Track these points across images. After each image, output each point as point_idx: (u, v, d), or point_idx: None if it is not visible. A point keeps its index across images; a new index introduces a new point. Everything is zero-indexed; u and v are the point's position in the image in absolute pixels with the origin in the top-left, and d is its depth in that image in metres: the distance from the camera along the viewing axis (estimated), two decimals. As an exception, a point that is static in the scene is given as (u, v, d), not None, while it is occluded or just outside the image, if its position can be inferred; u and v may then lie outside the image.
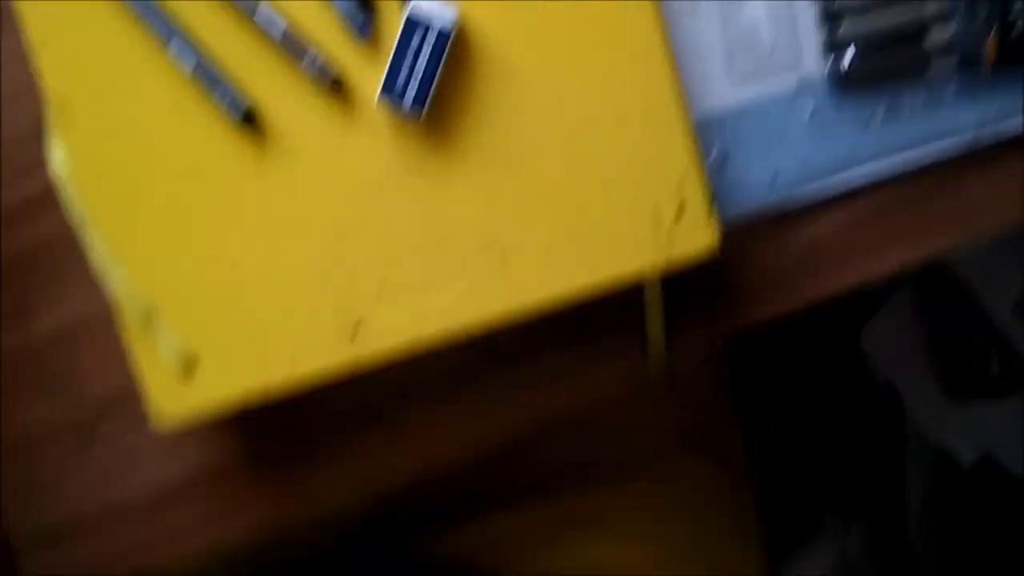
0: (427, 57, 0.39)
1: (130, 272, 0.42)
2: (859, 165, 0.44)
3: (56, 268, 0.48)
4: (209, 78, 0.41)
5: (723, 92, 0.43)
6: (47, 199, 0.46)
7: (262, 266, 0.42)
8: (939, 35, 0.42)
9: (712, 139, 0.44)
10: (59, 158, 0.43)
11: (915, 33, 0.42)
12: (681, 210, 0.41)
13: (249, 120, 0.41)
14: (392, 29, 0.40)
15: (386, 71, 0.39)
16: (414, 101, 0.39)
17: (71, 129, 0.42)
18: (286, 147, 0.42)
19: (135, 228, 0.42)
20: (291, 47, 0.40)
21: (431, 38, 0.39)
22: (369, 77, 0.41)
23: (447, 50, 0.39)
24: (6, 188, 0.48)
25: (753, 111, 0.43)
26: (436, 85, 0.39)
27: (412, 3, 0.39)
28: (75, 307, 0.49)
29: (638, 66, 0.40)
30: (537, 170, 0.41)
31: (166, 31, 0.41)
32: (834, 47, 0.43)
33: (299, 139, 0.41)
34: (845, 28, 0.42)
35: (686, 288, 0.45)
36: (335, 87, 0.41)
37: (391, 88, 0.39)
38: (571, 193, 0.41)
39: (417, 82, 0.39)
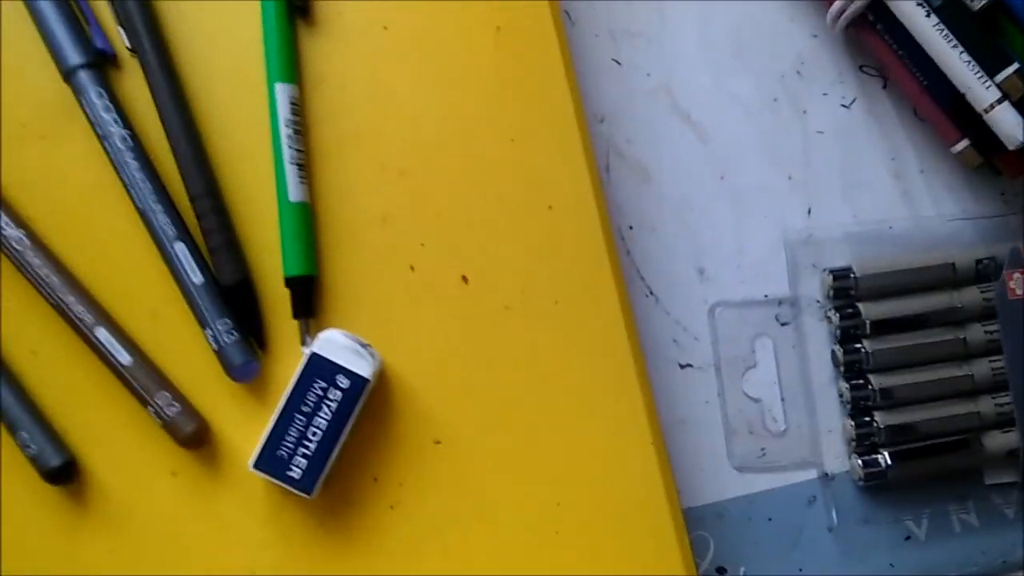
0: (332, 410, 0.28)
1: None
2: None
3: None
4: (14, 416, 0.29)
5: (724, 482, 0.33)
6: None
7: None
8: (996, 441, 0.33)
9: (706, 541, 0.33)
10: None
11: (965, 436, 0.33)
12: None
13: (60, 476, 0.28)
14: (286, 372, 0.30)
15: (268, 429, 0.28)
16: (304, 474, 0.28)
17: None
18: (120, 515, 0.29)
19: None
20: (136, 384, 0.29)
21: (341, 384, 0.28)
22: (246, 432, 0.29)
23: (360, 403, 0.28)
24: None
25: (760, 509, 0.33)
26: (338, 453, 0.28)
27: (320, 338, 0.28)
28: None
29: (622, 443, 0.30)
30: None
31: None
32: (864, 444, 0.33)
33: (140, 503, 0.29)
34: (880, 421, 0.33)
35: None
36: (193, 441, 0.29)
37: (270, 457, 0.28)
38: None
39: (312, 448, 0.28)
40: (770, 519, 0.33)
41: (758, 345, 0.33)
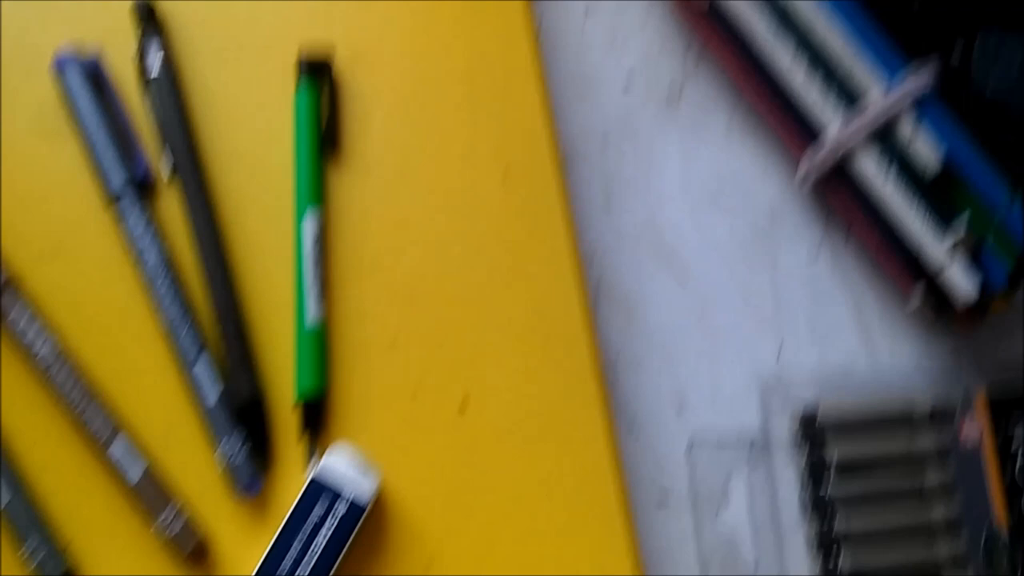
0: (329, 534, 0.29)
1: None
2: None
3: None
4: (23, 522, 0.30)
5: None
6: None
7: None
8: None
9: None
10: None
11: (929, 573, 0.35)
12: None
13: (61, 587, 0.29)
14: (291, 488, 0.31)
15: (269, 547, 0.29)
16: (302, 593, 0.29)
17: None
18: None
19: None
20: (143, 499, 0.30)
21: (339, 510, 0.29)
22: (248, 548, 0.30)
23: (357, 528, 0.29)
24: None
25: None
26: (336, 570, 0.29)
27: (325, 460, 0.30)
28: None
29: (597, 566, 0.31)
30: None
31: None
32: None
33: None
34: (845, 560, 0.35)
35: None
36: (194, 557, 0.30)
37: (273, 570, 0.29)
38: None
39: (311, 565, 0.29)
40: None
41: (732, 483, 0.36)
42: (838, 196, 0.38)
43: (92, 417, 0.30)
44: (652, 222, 0.38)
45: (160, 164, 0.34)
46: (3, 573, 0.30)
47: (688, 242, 0.37)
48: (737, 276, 0.38)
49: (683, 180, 0.38)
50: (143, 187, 0.33)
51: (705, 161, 0.38)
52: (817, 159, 0.36)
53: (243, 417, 0.31)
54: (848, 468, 0.36)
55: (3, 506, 0.29)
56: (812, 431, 0.36)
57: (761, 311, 0.38)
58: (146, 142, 0.34)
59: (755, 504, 0.35)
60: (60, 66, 0.34)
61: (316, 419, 0.31)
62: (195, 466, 0.31)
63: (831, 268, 0.38)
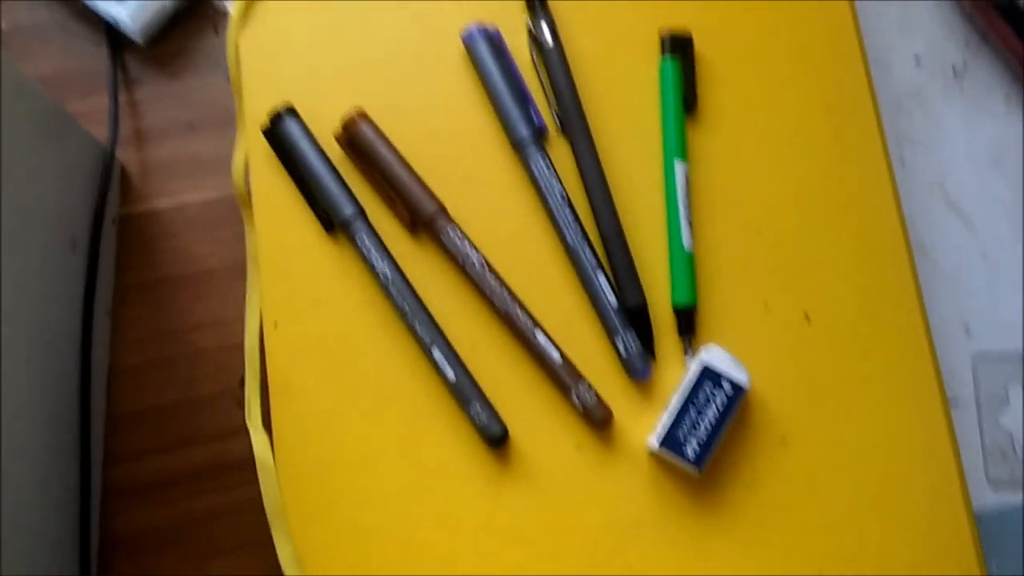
0: (717, 410, 0.37)
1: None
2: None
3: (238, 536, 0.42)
4: (466, 392, 0.38)
5: (981, 494, 0.41)
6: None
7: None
8: None
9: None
10: (261, 442, 0.38)
11: None
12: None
13: (499, 442, 0.37)
14: (669, 376, 0.39)
15: (670, 419, 0.37)
16: (696, 455, 0.36)
17: (285, 412, 0.38)
18: (533, 475, 0.38)
19: (329, 539, 0.36)
20: (563, 376, 0.38)
21: (725, 390, 0.37)
22: (638, 419, 0.38)
23: (738, 405, 0.37)
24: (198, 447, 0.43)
25: (1011, 522, 0.41)
26: (719, 441, 0.37)
27: (704, 354, 0.37)
28: None
29: (921, 449, 0.38)
30: (805, 547, 0.37)
31: (429, 337, 0.38)
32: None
33: (550, 468, 0.38)
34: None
35: None
36: (602, 424, 0.38)
37: (672, 438, 0.37)
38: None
39: (703, 435, 0.37)
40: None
41: (1011, 392, 0.42)
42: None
43: (516, 314, 0.38)
44: (941, 179, 0.44)
45: (551, 118, 0.41)
46: (450, 436, 0.38)
47: (973, 197, 0.44)
48: (1015, 225, 0.44)
49: (968, 146, 0.45)
50: (540, 136, 0.41)
51: (987, 130, 0.45)
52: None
53: (633, 319, 0.39)
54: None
55: (454, 381, 0.38)
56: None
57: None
58: (537, 99, 0.42)
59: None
60: (469, 39, 0.42)
61: (690, 324, 0.39)
62: (595, 356, 0.39)
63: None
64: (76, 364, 0.44)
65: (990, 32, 0.45)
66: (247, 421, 0.39)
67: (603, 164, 0.41)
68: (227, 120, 0.47)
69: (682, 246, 0.39)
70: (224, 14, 0.52)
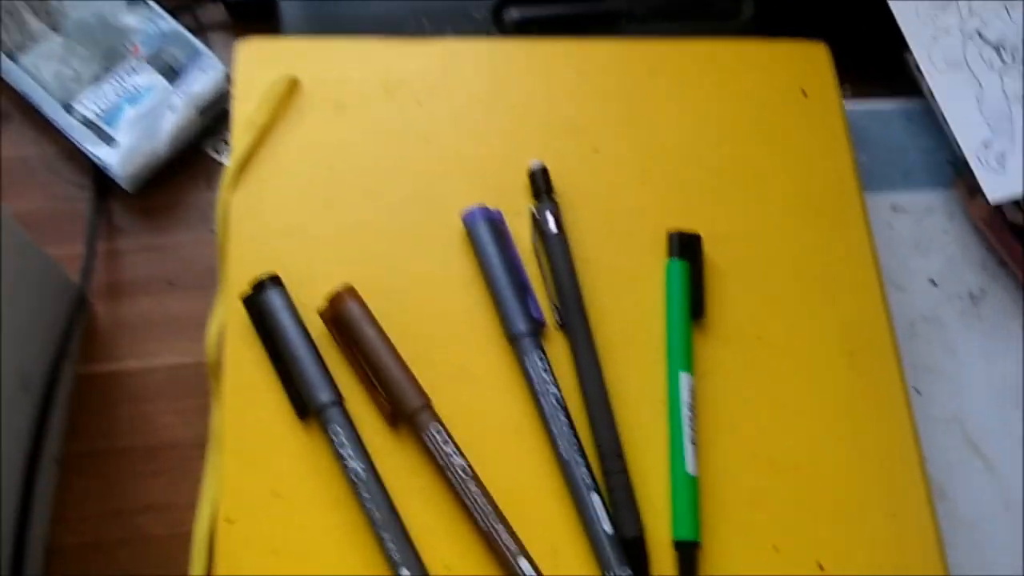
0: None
1: None
2: None
3: None
4: (433, 621, 0.33)
5: None
6: None
7: None
8: None
9: None
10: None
11: None
12: None
13: None
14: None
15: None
16: None
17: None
18: None
19: None
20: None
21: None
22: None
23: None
24: None
25: None
26: None
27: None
28: None
29: None
30: None
31: (400, 555, 0.34)
32: None
33: None
34: None
35: None
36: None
37: None
38: None
39: None
40: None
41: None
42: None
43: (499, 534, 0.34)
44: (959, 414, 0.42)
45: (550, 309, 0.39)
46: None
47: (993, 436, 0.41)
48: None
49: (987, 378, 0.42)
50: (538, 332, 0.38)
51: (1007, 362, 0.42)
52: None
53: (628, 551, 0.35)
54: None
55: (420, 604, 0.33)
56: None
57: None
58: (537, 288, 0.39)
59: None
60: (471, 219, 0.40)
61: (692, 562, 0.35)
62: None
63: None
64: (11, 535, 0.39)
65: (1008, 257, 0.44)
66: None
67: (606, 368, 0.38)
68: (209, 280, 0.44)
69: (685, 470, 0.36)
70: (219, 165, 0.51)
